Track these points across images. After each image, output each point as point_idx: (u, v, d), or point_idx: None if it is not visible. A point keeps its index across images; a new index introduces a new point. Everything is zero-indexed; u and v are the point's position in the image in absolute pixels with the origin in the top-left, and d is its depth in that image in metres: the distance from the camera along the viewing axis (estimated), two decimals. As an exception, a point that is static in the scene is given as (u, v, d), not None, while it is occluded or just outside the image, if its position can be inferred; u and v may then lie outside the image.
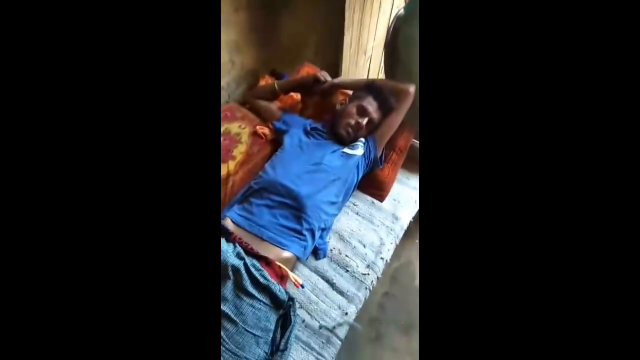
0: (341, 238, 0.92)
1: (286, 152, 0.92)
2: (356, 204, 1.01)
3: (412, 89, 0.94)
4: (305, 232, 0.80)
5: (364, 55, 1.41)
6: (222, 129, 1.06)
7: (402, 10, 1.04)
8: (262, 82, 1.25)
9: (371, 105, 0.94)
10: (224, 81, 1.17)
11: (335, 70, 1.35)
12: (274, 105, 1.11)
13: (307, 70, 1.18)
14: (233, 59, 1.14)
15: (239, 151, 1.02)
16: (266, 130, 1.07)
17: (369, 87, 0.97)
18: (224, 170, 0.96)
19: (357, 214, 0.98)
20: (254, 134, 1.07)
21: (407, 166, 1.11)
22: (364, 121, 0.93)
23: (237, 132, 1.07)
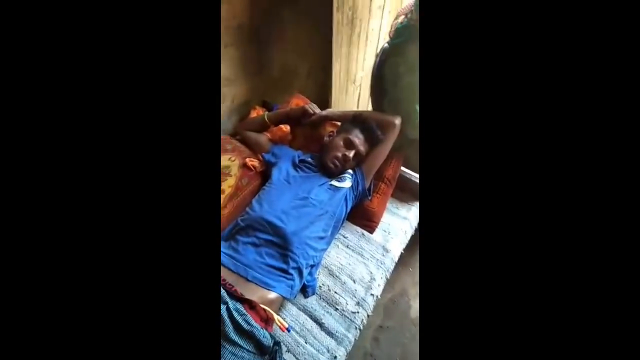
0: (331, 273, 0.90)
1: (273, 186, 0.91)
2: (346, 236, 0.99)
3: (397, 121, 0.95)
4: (292, 271, 0.79)
5: (353, 84, 1.44)
6: (212, 161, 1.06)
7: (387, 44, 1.07)
8: (254, 114, 1.27)
9: (358, 137, 0.95)
10: (214, 114, 1.19)
11: (325, 99, 1.38)
12: (264, 137, 1.12)
13: (297, 101, 1.20)
14: (223, 92, 1.16)
15: (228, 184, 1.02)
16: (256, 163, 1.08)
17: (355, 120, 0.99)
18: (211, 205, 0.96)
19: (347, 247, 0.97)
20: (244, 166, 1.07)
21: (397, 195, 1.11)
22: (351, 154, 0.93)
23: (227, 164, 1.07)
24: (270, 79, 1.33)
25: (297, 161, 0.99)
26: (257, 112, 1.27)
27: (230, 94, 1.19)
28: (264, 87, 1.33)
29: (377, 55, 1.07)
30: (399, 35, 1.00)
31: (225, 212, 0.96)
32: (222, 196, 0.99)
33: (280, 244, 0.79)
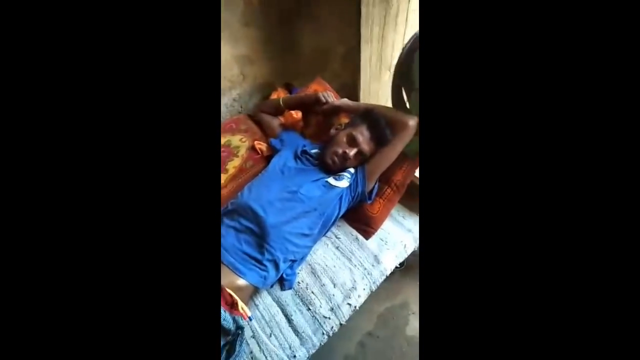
0: (313, 272, 0.87)
1: (267, 174, 0.90)
2: (339, 236, 0.94)
3: (412, 122, 0.83)
4: (266, 263, 0.78)
5: (389, 71, 1.29)
6: (224, 140, 1.09)
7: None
8: (274, 95, 1.24)
9: (362, 135, 0.86)
10: (235, 93, 1.20)
11: (353, 86, 1.28)
12: (276, 121, 1.09)
13: (316, 87, 1.13)
14: (244, 72, 1.16)
15: (233, 165, 1.04)
16: (263, 147, 1.07)
17: (365, 115, 0.89)
18: (212, 184, 0.99)
19: (336, 248, 0.92)
20: (252, 148, 1.08)
21: (406, 204, 1.00)
22: (352, 152, 0.85)
23: (237, 145, 1.08)
24: (301, 60, 1.28)
25: (299, 151, 0.95)
26: (277, 94, 1.24)
27: (252, 74, 1.18)
28: (294, 67, 1.28)
29: (407, 42, 0.93)
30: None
31: (224, 192, 0.99)
32: (225, 175, 1.01)
33: (259, 234, 0.78)
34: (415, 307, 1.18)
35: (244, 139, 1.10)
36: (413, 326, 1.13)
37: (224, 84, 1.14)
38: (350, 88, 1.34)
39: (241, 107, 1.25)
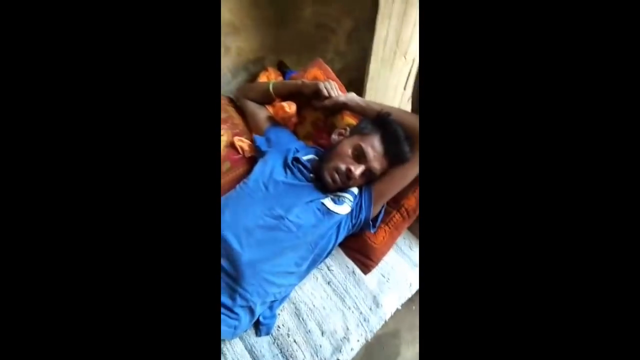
0: (297, 313, 0.71)
1: (248, 188, 0.69)
2: (332, 268, 0.77)
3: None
4: (238, 310, 0.60)
5: (404, 58, 1.07)
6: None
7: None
8: (263, 78, 1.00)
9: (374, 148, 0.66)
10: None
11: (357, 71, 1.05)
12: (264, 113, 0.86)
13: (315, 72, 0.90)
14: (226, 43, 0.90)
15: (205, 166, 0.82)
16: (245, 145, 0.85)
17: (378, 122, 0.69)
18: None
19: (328, 283, 0.75)
20: (231, 145, 0.85)
21: (415, 230, 0.83)
22: (359, 170, 0.66)
23: (211, 139, 0.86)
24: (297, 34, 1.02)
25: (289, 158, 0.73)
26: (267, 76, 1.00)
27: (234, 45, 0.92)
28: (289, 42, 1.03)
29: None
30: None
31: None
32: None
33: (231, 274, 0.60)
34: (408, 336, 1.05)
35: (221, 132, 0.87)
36: (405, 357, 1.02)
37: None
38: (354, 72, 1.11)
39: (221, 87, 1.00)
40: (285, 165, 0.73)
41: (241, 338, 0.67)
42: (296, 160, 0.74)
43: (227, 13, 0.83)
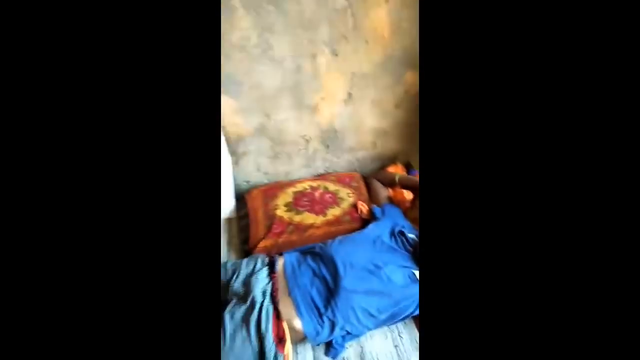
0: (361, 356, 0.83)
1: (360, 237, 0.95)
2: (402, 335, 0.88)
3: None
4: (325, 319, 0.79)
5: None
6: (334, 188, 1.22)
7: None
8: (392, 169, 1.34)
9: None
10: (361, 155, 1.34)
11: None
12: (385, 192, 1.17)
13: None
14: (376, 142, 1.30)
15: (333, 212, 1.15)
16: (365, 209, 1.15)
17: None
18: (310, 220, 1.11)
19: (395, 346, 0.86)
20: (354, 206, 1.17)
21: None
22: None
23: (343, 197, 1.20)
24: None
25: (396, 230, 0.97)
26: (395, 169, 1.34)
27: (379, 143, 1.31)
28: (414, 150, 1.37)
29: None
30: None
31: (318, 232, 1.09)
32: (323, 218, 1.12)
33: (331, 288, 0.82)
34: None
35: (350, 194, 1.21)
36: None
37: (361, 144, 1.30)
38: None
39: (359, 167, 1.39)
40: (392, 233, 0.97)
41: (314, 350, 0.84)
42: (401, 233, 0.97)
43: (385, 123, 1.25)
